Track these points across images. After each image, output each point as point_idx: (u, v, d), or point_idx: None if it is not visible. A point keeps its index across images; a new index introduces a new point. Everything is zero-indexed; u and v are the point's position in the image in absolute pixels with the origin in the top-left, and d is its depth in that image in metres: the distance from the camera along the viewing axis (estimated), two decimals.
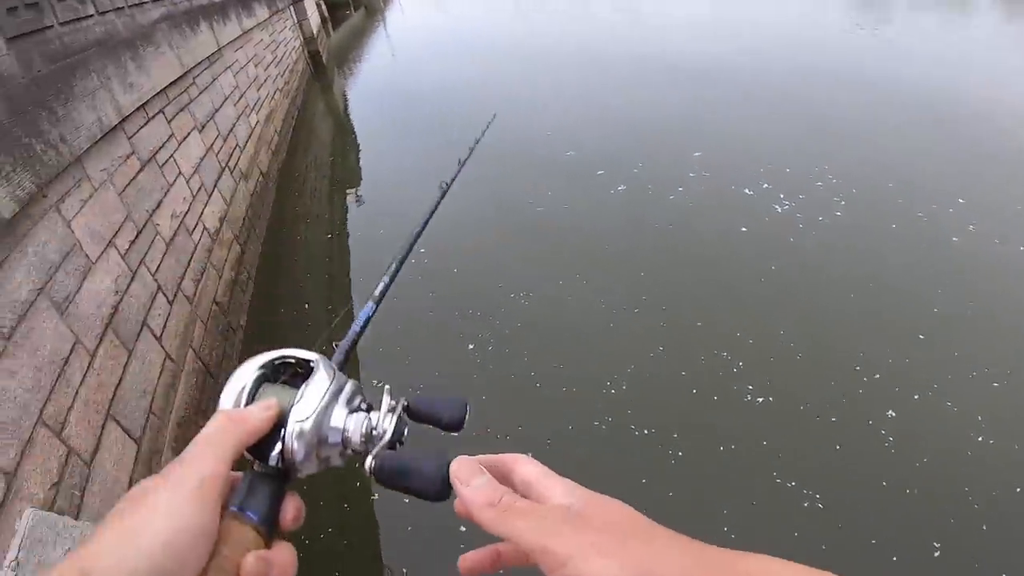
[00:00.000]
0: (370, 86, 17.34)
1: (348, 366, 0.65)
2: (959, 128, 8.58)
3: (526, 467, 0.50)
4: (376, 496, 3.93)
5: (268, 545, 0.46)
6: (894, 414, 3.99)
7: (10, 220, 2.85)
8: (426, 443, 0.50)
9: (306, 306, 6.22)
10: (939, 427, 3.90)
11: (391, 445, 0.54)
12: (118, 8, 5.15)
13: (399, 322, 5.33)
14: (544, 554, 0.42)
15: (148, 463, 3.43)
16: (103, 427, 3.10)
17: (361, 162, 10.90)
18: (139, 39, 5.35)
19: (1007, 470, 3.58)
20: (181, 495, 0.42)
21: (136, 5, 5.58)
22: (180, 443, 3.88)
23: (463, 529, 3.18)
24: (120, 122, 4.49)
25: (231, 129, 7.82)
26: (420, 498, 0.51)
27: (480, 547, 0.53)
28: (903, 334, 4.69)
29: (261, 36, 11.98)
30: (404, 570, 3.45)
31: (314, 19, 20.25)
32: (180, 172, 5.54)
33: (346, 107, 15.31)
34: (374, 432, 0.54)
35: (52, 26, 3.95)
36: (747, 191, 7.20)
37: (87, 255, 3.52)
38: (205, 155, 6.44)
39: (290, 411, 0.51)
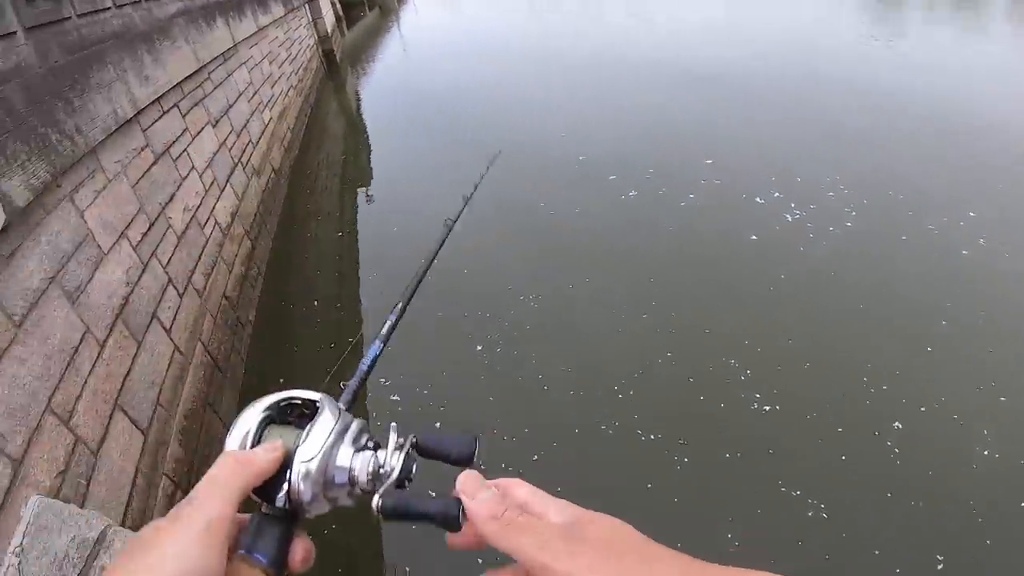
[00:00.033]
0: (383, 85, 17.41)
1: (356, 404, 0.64)
2: (972, 141, 8.50)
3: (520, 489, 0.51)
4: None
5: None
6: (900, 425, 3.96)
7: (24, 209, 2.88)
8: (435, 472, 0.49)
9: (315, 303, 6.24)
10: (944, 439, 3.87)
11: (399, 483, 0.53)
12: (135, 1, 5.20)
13: (407, 320, 5.32)
14: (544, 571, 0.43)
15: (155, 454, 3.45)
16: (111, 417, 3.13)
17: (372, 161, 10.94)
18: (156, 33, 5.39)
19: (1012, 484, 3.55)
20: (188, 537, 0.43)
21: None
22: (186, 435, 3.91)
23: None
24: (135, 115, 4.54)
25: (244, 125, 7.87)
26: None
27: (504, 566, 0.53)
28: (911, 346, 4.65)
29: (276, 34, 12.06)
30: (407, 569, 3.46)
31: (329, 18, 20.35)
32: (193, 166, 5.58)
33: (359, 106, 15.37)
34: (381, 470, 0.53)
35: (70, 17, 4.00)
36: (758, 199, 7.17)
37: (99, 246, 3.55)
38: (218, 150, 6.48)
39: (295, 452, 0.51)
